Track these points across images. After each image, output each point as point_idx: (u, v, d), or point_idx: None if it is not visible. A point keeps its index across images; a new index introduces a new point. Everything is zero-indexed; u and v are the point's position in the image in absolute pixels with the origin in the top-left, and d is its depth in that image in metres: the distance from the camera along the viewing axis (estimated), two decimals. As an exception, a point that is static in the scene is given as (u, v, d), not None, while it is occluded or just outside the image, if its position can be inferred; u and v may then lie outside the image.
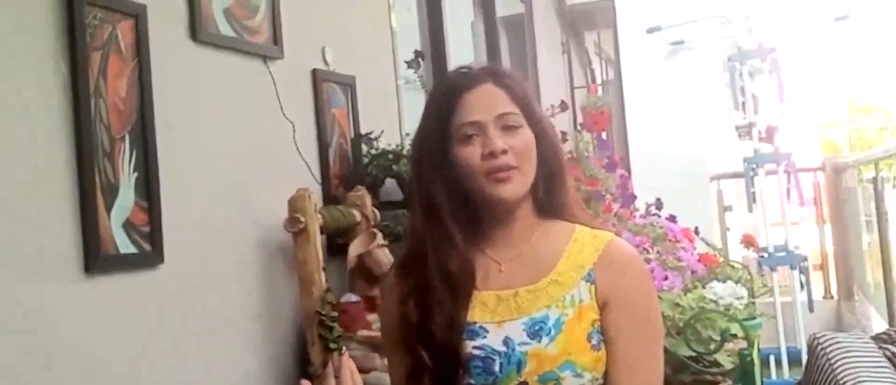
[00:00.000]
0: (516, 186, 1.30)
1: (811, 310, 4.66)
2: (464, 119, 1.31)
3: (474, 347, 1.28)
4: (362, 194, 2.53)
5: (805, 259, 4.73)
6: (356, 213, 2.48)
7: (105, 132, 1.76)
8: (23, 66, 1.60)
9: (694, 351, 2.31)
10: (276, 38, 2.39)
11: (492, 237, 1.35)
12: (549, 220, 1.36)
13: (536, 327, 1.28)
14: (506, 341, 1.28)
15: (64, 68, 1.68)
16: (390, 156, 2.71)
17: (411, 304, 1.32)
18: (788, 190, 4.85)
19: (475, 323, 1.30)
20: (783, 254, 4.65)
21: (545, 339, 1.26)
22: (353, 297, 2.37)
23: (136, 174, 1.84)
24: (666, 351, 2.32)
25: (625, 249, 1.36)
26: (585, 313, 1.29)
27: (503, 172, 1.29)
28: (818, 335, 1.63)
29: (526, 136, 1.32)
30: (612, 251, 1.34)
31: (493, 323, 1.30)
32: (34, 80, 1.63)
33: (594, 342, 1.28)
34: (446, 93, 1.36)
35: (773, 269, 4.65)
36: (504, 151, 1.29)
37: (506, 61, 4.78)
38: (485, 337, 1.29)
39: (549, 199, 1.36)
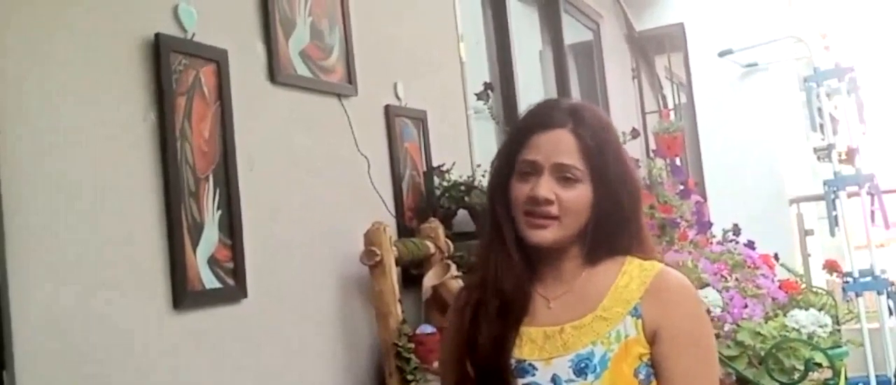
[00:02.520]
0: (550, 234, 1.31)
1: (901, 336, 4.49)
2: (526, 156, 1.33)
3: (524, 384, 1.30)
4: (436, 226, 2.57)
5: (892, 284, 4.56)
6: (430, 244, 2.51)
7: (190, 173, 1.84)
8: (116, 117, 1.69)
9: (777, 381, 2.26)
10: (350, 77, 2.45)
11: (542, 274, 1.37)
12: (600, 262, 1.36)
13: (582, 364, 1.27)
14: (553, 379, 1.28)
15: (152, 117, 1.76)
16: (462, 187, 2.74)
17: (467, 315, 1.36)
18: (873, 212, 4.70)
19: (524, 360, 1.31)
20: (869, 278, 4.50)
21: (591, 376, 1.26)
22: (429, 329, 2.40)
23: (219, 212, 1.91)
24: (747, 381, 2.29)
25: (672, 279, 1.34)
26: (632, 348, 1.28)
27: (540, 219, 1.30)
28: (907, 364, 1.59)
29: (580, 192, 1.31)
30: (660, 283, 1.32)
31: (542, 360, 1.30)
32: (127, 129, 1.71)
33: (642, 377, 1.27)
34: (523, 126, 1.39)
35: (858, 295, 4.49)
36: (548, 201, 1.30)
37: (575, 89, 4.77)
38: (534, 374, 1.30)
39: (598, 247, 1.35)
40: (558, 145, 1.32)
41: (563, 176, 1.31)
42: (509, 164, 1.36)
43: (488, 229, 1.40)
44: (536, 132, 1.34)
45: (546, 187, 1.30)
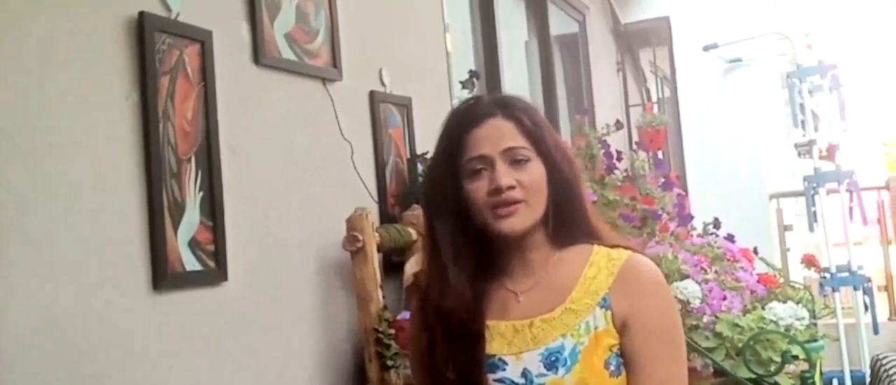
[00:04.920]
0: (520, 220, 1.29)
1: (876, 332, 4.53)
2: (471, 154, 1.30)
3: (495, 380, 1.28)
4: (418, 213, 2.56)
5: (869, 280, 4.61)
6: (412, 231, 2.51)
7: (172, 154, 1.82)
8: (98, 94, 1.67)
9: (754, 373, 2.28)
10: (335, 61, 2.44)
11: (509, 269, 1.35)
12: (566, 247, 1.34)
13: (552, 358, 1.26)
14: (524, 373, 1.27)
15: (135, 97, 1.74)
16: (446, 175, 2.73)
17: (424, 338, 1.34)
18: (851, 209, 4.75)
19: (494, 355, 1.29)
20: (846, 274, 4.54)
21: (562, 370, 1.25)
22: (409, 315, 2.40)
23: (201, 194, 1.89)
24: (725, 373, 2.30)
25: (640, 268, 1.32)
26: (602, 339, 1.27)
27: (507, 207, 1.28)
28: (882, 357, 1.60)
29: (535, 169, 1.30)
30: (628, 273, 1.31)
31: (511, 355, 1.29)
32: (108, 108, 1.69)
33: (612, 368, 1.26)
34: (454, 129, 1.35)
35: (835, 290, 4.54)
36: (510, 187, 1.28)
37: (560, 81, 4.78)
38: (504, 370, 1.28)
39: (562, 228, 1.34)
40: (499, 133, 1.30)
41: (515, 159, 1.30)
42: (451, 170, 1.32)
43: (428, 249, 1.37)
44: (469, 128, 1.32)
45: (505, 175, 1.28)
